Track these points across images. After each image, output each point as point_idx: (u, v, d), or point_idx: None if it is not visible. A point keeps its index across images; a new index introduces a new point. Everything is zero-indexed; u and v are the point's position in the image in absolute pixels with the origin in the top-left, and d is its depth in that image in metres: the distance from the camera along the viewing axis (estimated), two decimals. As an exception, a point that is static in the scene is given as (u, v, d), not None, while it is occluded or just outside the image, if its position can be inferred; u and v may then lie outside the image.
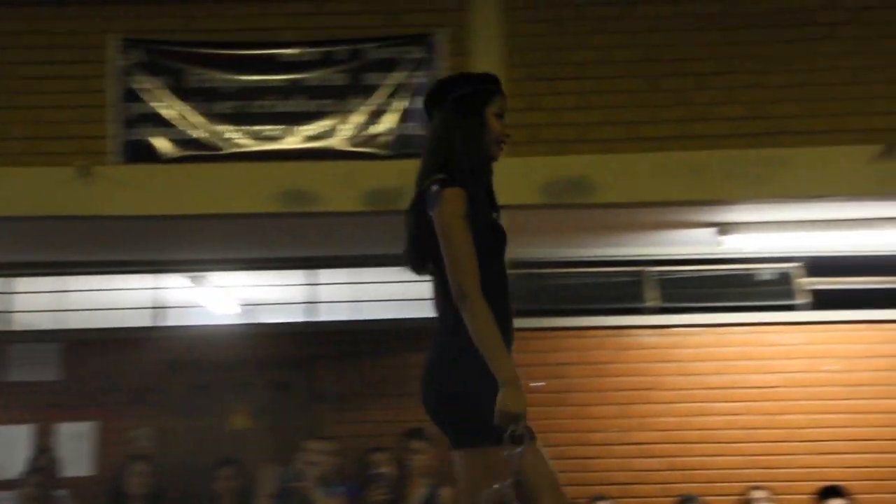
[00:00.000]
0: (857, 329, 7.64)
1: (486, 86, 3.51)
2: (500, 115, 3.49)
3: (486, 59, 6.43)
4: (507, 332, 3.34)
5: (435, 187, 3.35)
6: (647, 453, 7.63)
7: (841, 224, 6.90)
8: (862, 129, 6.15)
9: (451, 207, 3.30)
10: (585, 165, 6.24)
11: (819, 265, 7.67)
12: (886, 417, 7.53)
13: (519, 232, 6.60)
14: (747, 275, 7.75)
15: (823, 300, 7.70)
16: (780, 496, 7.40)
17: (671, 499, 7.31)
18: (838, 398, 7.58)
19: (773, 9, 6.25)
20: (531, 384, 7.71)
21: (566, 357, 7.75)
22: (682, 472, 7.59)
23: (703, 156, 6.19)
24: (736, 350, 7.73)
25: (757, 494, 7.19)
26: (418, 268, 3.52)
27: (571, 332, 7.79)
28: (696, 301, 7.82)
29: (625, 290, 7.87)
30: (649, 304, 7.78)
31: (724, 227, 6.93)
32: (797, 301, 7.71)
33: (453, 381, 3.39)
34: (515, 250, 7.00)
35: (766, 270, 7.70)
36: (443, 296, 3.43)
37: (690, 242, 7.46)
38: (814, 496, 7.13)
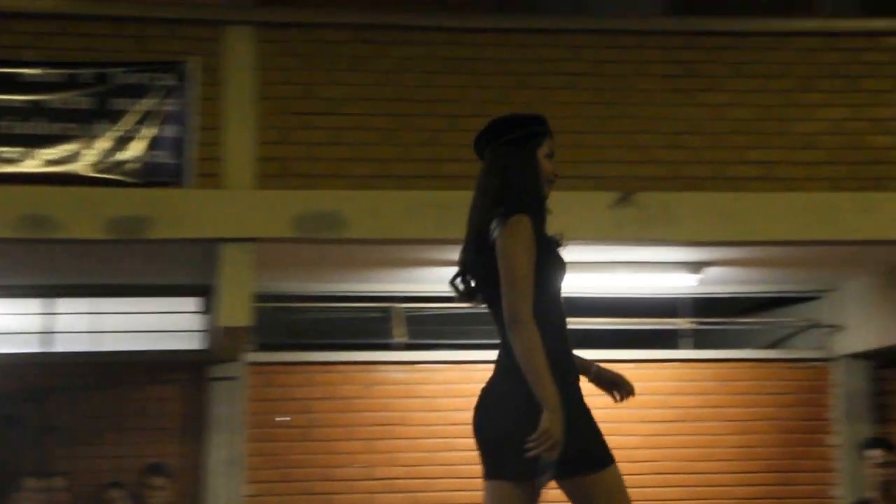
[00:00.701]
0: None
1: (537, 127, 3.71)
2: (549, 156, 3.71)
3: (238, 90, 6.37)
4: (565, 359, 3.54)
5: (498, 219, 3.49)
6: (391, 489, 7.68)
7: (579, 267, 7.17)
8: (599, 175, 6.43)
9: (514, 231, 3.45)
10: (337, 201, 6.26)
11: (561, 305, 7.95)
12: (618, 454, 7.75)
13: (269, 265, 6.57)
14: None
15: (563, 339, 7.97)
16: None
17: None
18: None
19: (519, 57, 6.47)
20: (276, 419, 7.65)
21: (313, 392, 7.73)
22: (426, 508, 7.69)
23: (453, 195, 6.30)
24: (479, 387, 7.87)
25: None
26: (471, 301, 3.73)
27: (319, 367, 7.78)
28: (443, 338, 7.95)
29: (373, 325, 7.93)
30: (397, 339, 7.86)
31: (465, 268, 7.07)
32: (538, 339, 7.94)
33: (505, 415, 3.51)
34: (264, 284, 7.00)
35: (510, 309, 7.91)
36: (503, 330, 3.52)
37: (439, 280, 7.57)
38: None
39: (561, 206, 6.27)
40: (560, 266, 3.66)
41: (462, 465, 7.73)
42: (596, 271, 7.26)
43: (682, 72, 6.52)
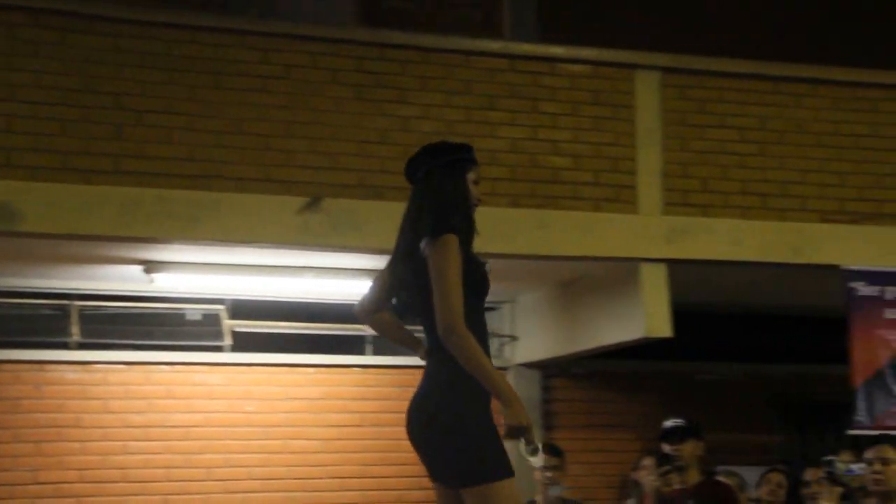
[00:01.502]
0: (276, 372, 7.97)
1: (466, 154, 3.98)
2: (476, 182, 3.96)
3: None
4: None
5: (428, 238, 3.73)
6: (61, 493, 7.40)
7: (266, 270, 7.18)
8: (288, 180, 6.44)
9: (444, 250, 3.71)
10: (10, 192, 5.94)
11: (243, 308, 7.93)
12: (298, 457, 7.90)
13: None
14: (175, 314, 7.81)
15: (245, 342, 7.95)
16: (192, 535, 7.50)
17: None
18: (255, 438, 7.85)
19: (210, 56, 6.38)
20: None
21: (-22, 392, 7.34)
22: (95, 511, 7.45)
23: (136, 192, 6.15)
24: (160, 389, 7.74)
25: None
26: (408, 315, 3.97)
27: (-13, 366, 7.40)
28: (123, 338, 7.74)
29: (48, 323, 7.61)
30: (73, 338, 7.57)
31: (153, 266, 6.93)
32: (222, 342, 7.88)
33: (456, 425, 3.68)
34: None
35: (194, 311, 7.81)
36: (436, 346, 3.76)
37: (119, 278, 7.38)
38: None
39: (250, 209, 6.35)
40: (484, 285, 3.91)
41: (137, 468, 7.56)
42: (282, 275, 7.29)
43: (372, 82, 6.62)
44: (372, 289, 4.07)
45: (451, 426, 3.71)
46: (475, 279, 3.83)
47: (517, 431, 3.65)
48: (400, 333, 4.13)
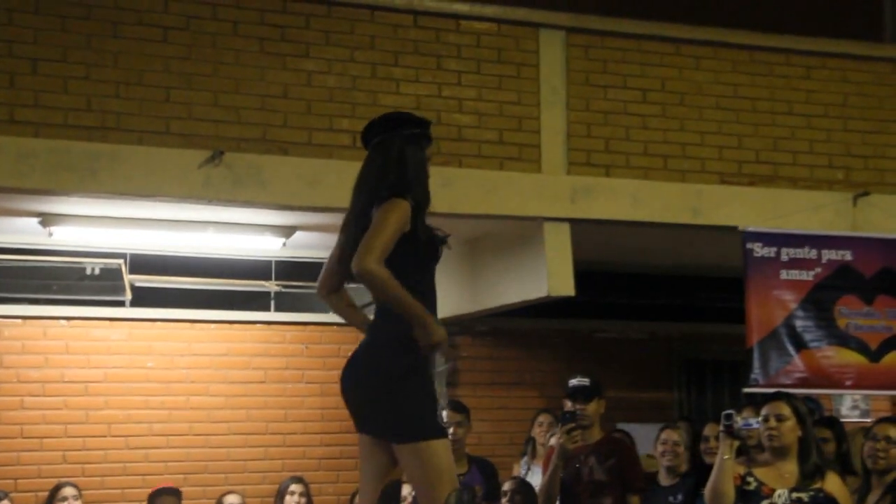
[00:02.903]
0: (177, 327, 7.91)
1: (427, 131, 4.07)
2: (428, 159, 4.05)
3: None
4: None
5: (379, 200, 3.80)
6: (-46, 449, 7.29)
7: (167, 224, 7.09)
8: (189, 133, 6.35)
9: (393, 208, 3.78)
10: None
11: (143, 262, 7.83)
12: (199, 413, 7.86)
13: None
14: (74, 268, 7.68)
15: (146, 297, 7.87)
16: (91, 491, 7.42)
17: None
18: (155, 394, 7.80)
19: (107, 4, 6.22)
20: None
21: None
22: (-9, 468, 7.35)
23: (31, 143, 6.02)
24: (58, 344, 7.64)
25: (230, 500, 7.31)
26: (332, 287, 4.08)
27: None
28: (19, 292, 7.60)
29: (-58, 277, 7.46)
30: (-31, 292, 7.43)
31: (49, 218, 6.80)
32: (122, 297, 7.79)
33: (397, 381, 3.81)
34: None
35: (93, 265, 7.69)
36: (381, 310, 3.89)
37: (16, 231, 7.23)
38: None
39: (150, 162, 6.25)
40: (435, 249, 3.98)
41: (34, 424, 7.47)
42: (184, 230, 7.21)
43: (276, 36, 6.54)
44: (327, 264, 4.12)
45: (393, 382, 3.84)
46: (427, 242, 3.93)
47: (432, 349, 3.83)
48: (355, 315, 4.19)
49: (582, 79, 7.21)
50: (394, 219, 3.79)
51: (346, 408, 4.04)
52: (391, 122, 4.09)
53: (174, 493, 7.22)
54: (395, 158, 3.97)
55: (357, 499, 7.61)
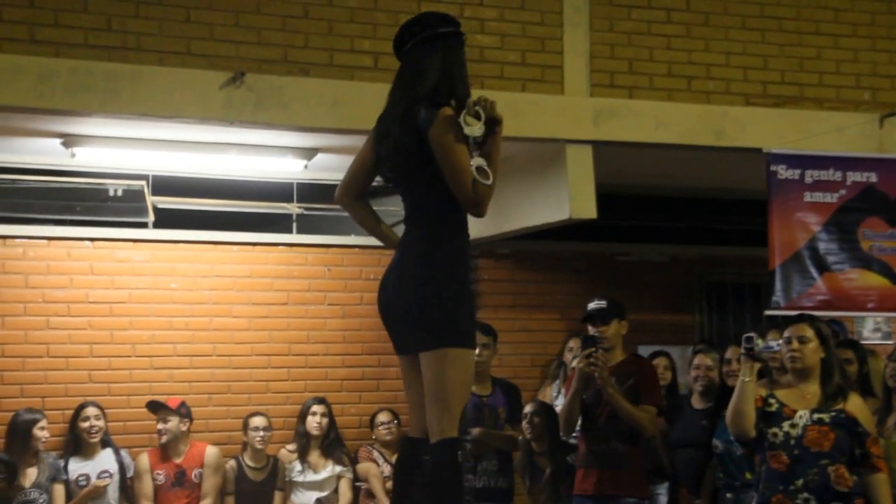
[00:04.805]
0: (200, 249, 7.93)
1: (462, 32, 3.98)
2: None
3: None
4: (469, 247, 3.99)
5: (429, 110, 3.76)
6: (-18, 368, 7.38)
7: (189, 146, 7.09)
8: (211, 54, 6.31)
9: (451, 127, 3.75)
10: (-80, 60, 5.79)
11: (166, 184, 7.84)
12: (222, 334, 7.92)
13: None
14: (97, 189, 7.70)
15: (169, 219, 7.89)
16: (116, 410, 7.52)
17: (6, 413, 7.14)
18: (179, 315, 7.84)
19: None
20: None
21: None
22: (18, 386, 7.43)
23: (52, 63, 6.00)
24: (82, 265, 7.68)
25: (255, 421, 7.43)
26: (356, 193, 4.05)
27: None
28: (43, 213, 7.64)
29: (-37, 197, 7.49)
30: (-7, 212, 7.46)
31: (72, 139, 6.81)
32: (145, 218, 7.81)
33: (436, 290, 3.84)
34: None
35: (116, 186, 7.71)
36: (418, 217, 3.92)
37: (38, 152, 7.24)
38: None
39: (171, 83, 6.23)
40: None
41: (60, 344, 7.54)
42: (207, 152, 7.21)
43: (297, -45, 6.49)
44: (351, 170, 4.09)
45: (432, 291, 3.85)
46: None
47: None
48: (377, 225, 4.18)
49: (606, -2, 7.13)
50: (459, 138, 3.78)
51: (386, 326, 4.06)
52: (433, 20, 4.00)
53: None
54: (441, 62, 3.91)
55: (379, 419, 7.71)
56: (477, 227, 7.86)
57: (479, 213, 3.86)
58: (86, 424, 7.12)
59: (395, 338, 4.08)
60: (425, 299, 3.87)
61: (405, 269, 3.95)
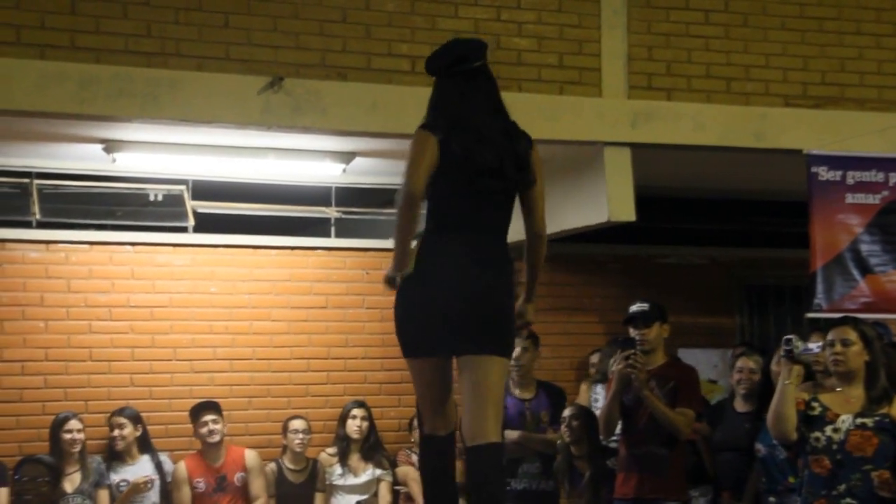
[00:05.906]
0: (239, 253, 7.97)
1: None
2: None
3: None
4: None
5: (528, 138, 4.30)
6: (27, 371, 7.46)
7: (228, 150, 7.13)
8: (249, 59, 6.35)
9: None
10: (-37, 67, 5.85)
11: (205, 189, 7.89)
12: (262, 338, 7.96)
13: None
14: (137, 194, 7.77)
15: (208, 223, 7.94)
16: (158, 413, 7.58)
17: (50, 417, 7.20)
18: (219, 319, 7.89)
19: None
20: None
21: (-61, 270, 7.33)
22: (62, 390, 7.50)
23: (93, 69, 6.06)
24: (124, 269, 7.74)
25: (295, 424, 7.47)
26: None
27: (-54, 245, 7.37)
28: (85, 218, 7.71)
29: (8, 201, 7.56)
30: (34, 217, 7.53)
31: (113, 145, 6.87)
32: (185, 223, 7.86)
33: (510, 300, 4.20)
34: None
35: (156, 191, 7.77)
36: (504, 226, 4.27)
37: (80, 157, 7.32)
38: (189, 413, 7.39)
39: (210, 88, 6.27)
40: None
41: (102, 348, 7.60)
42: (245, 156, 7.25)
43: (334, -40, 6.51)
44: (425, 168, 4.13)
45: (507, 301, 4.18)
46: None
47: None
48: (415, 231, 4.26)
49: (643, 0, 7.08)
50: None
51: (425, 324, 4.13)
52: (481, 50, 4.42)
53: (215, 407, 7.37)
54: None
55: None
56: (514, 231, 7.94)
57: (543, 240, 4.38)
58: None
59: (434, 337, 4.12)
60: (510, 309, 4.18)
61: (491, 275, 4.15)
